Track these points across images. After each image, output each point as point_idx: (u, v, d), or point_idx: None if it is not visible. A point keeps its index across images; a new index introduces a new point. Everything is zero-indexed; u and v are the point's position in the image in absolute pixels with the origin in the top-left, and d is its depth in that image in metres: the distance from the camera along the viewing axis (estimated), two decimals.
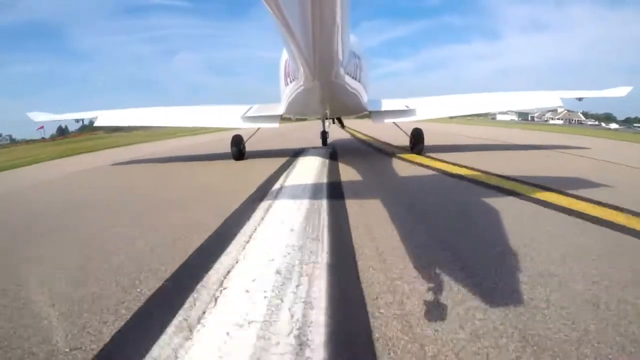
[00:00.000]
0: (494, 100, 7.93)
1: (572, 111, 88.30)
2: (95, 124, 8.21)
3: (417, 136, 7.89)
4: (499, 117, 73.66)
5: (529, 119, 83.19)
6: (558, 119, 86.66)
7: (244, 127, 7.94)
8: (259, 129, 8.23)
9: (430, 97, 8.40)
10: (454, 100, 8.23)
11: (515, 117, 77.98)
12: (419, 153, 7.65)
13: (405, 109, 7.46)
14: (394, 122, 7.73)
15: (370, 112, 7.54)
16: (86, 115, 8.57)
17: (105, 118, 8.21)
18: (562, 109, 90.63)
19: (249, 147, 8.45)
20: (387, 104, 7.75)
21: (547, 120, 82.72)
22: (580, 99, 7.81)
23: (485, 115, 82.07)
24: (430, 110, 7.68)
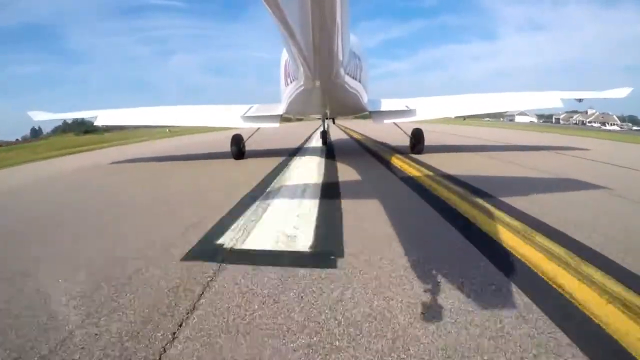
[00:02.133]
0: (494, 101, 8.83)
1: (606, 113, 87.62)
2: (95, 124, 9.21)
3: (417, 136, 8.80)
4: (518, 119, 74.68)
5: (553, 121, 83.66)
6: (589, 122, 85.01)
7: (244, 127, 8.88)
8: (258, 128, 9.18)
9: (431, 97, 9.34)
10: (454, 100, 9.15)
11: (534, 119, 78.62)
12: (419, 153, 8.53)
13: (406, 109, 8.35)
14: (394, 122, 8.62)
15: (370, 112, 8.44)
16: (86, 115, 9.60)
17: (104, 117, 9.20)
18: (593, 111, 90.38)
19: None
20: (387, 104, 8.66)
21: (596, 124, 73.87)
22: (580, 100, 8.69)
23: (502, 116, 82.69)
24: (431, 110, 8.58)
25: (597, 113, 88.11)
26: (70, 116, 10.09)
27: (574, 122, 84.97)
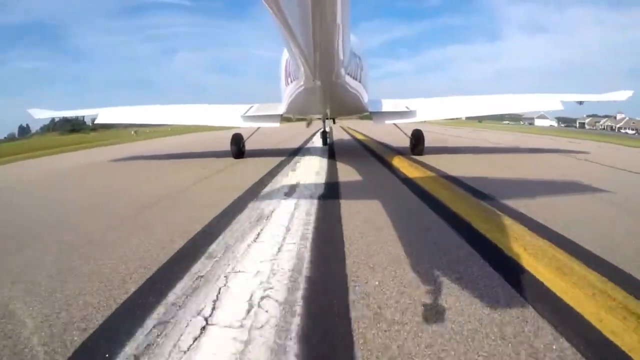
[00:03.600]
0: (495, 103, 9.61)
1: (633, 118, 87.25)
2: (96, 122, 10.12)
3: (417, 137, 9.57)
4: (537, 123, 75.62)
5: (577, 125, 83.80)
6: (619, 127, 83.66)
7: (244, 127, 9.71)
8: (258, 128, 10.01)
9: (431, 98, 10.15)
10: (454, 101, 9.95)
11: (554, 123, 79.35)
12: (419, 154, 9.29)
13: (406, 110, 9.14)
14: (394, 123, 9.41)
15: (371, 112, 9.22)
16: (87, 113, 10.51)
17: (105, 115, 10.09)
18: (622, 115, 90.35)
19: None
20: (387, 105, 9.44)
21: (631, 131, 66.82)
22: (580, 103, 9.45)
23: (521, 119, 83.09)
24: (431, 111, 9.39)
25: (626, 118, 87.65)
26: (71, 114, 11.00)
27: (601, 127, 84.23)
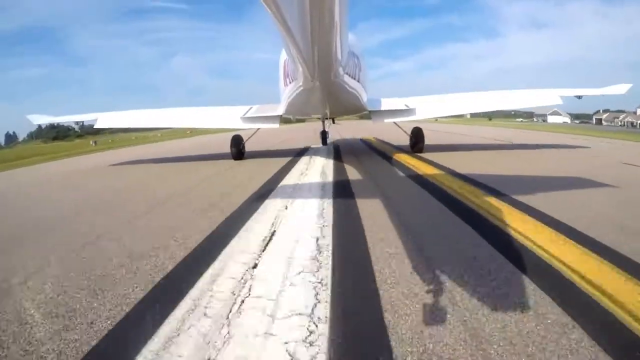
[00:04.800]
0: (493, 99, 10.12)
1: None
2: (95, 126, 10.73)
3: (417, 135, 10.12)
4: (550, 119, 76.32)
5: (594, 121, 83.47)
6: None
7: (244, 128, 10.29)
8: (258, 129, 10.58)
9: (430, 95, 10.70)
10: (453, 99, 10.44)
11: (567, 119, 79.55)
12: (420, 152, 9.82)
13: (405, 108, 9.64)
14: (394, 122, 9.95)
15: (370, 111, 9.75)
16: (86, 118, 11.12)
17: (105, 120, 10.70)
18: None
19: None
20: (386, 103, 9.97)
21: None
22: (579, 97, 9.93)
23: (534, 116, 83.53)
24: (430, 109, 9.90)
25: None
26: (70, 119, 11.58)
27: (620, 123, 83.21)
